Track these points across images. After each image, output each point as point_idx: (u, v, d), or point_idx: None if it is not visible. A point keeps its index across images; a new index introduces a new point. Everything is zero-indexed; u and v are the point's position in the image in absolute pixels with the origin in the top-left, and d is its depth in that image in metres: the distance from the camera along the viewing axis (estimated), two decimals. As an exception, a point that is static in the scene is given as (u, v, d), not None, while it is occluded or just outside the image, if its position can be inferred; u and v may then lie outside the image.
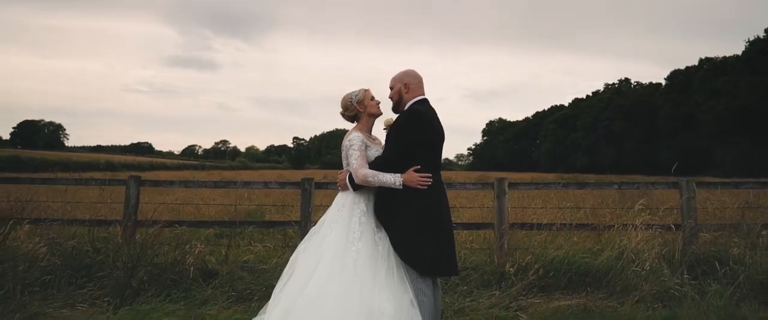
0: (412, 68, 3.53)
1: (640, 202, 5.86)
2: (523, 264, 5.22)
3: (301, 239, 5.30)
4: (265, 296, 4.75)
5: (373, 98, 3.55)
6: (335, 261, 3.26)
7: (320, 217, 3.57)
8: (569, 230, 5.84)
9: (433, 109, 3.43)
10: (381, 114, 3.55)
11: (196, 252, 5.29)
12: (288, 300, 3.28)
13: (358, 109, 3.50)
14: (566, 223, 5.92)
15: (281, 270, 4.76)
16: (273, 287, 4.31)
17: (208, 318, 4.38)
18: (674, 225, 5.64)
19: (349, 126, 3.66)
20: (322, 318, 3.11)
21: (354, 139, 3.39)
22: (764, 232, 5.35)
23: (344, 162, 3.47)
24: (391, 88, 3.50)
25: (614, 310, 4.61)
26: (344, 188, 3.40)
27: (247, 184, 6.28)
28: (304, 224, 5.70)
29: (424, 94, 3.48)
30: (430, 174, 3.28)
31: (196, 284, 5.07)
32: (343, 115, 3.59)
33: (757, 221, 5.61)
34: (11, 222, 5.26)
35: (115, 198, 7.54)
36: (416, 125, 3.28)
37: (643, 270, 5.02)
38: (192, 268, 5.17)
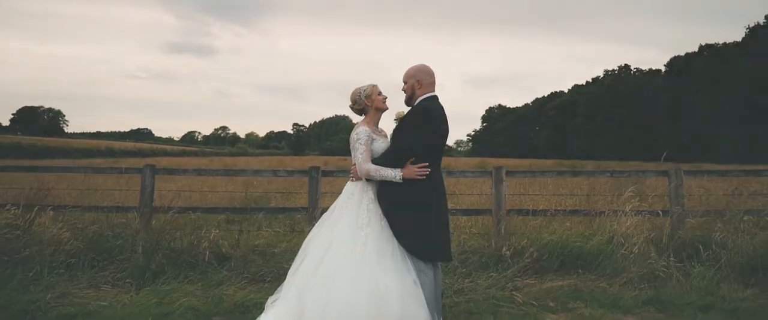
0: (426, 64, 3.79)
1: (630, 189, 6.16)
2: (519, 247, 5.54)
3: (309, 224, 5.64)
4: (277, 278, 5.08)
5: (380, 93, 3.82)
6: (346, 244, 3.57)
7: (326, 203, 3.88)
8: (563, 216, 6.16)
9: (441, 106, 3.72)
10: (387, 109, 3.82)
11: (211, 236, 5.61)
12: (302, 280, 3.59)
13: (366, 103, 3.78)
14: (560, 209, 6.24)
15: (290, 254, 5.10)
16: (283, 269, 4.63)
17: (226, 297, 4.69)
18: (662, 211, 5.96)
19: (347, 112, 3.95)
20: (334, 296, 3.42)
21: (361, 133, 3.67)
22: (746, 218, 5.67)
23: (352, 154, 3.76)
24: (405, 83, 3.77)
25: (603, 291, 4.94)
26: (357, 178, 3.69)
27: (257, 172, 6.59)
28: (312, 210, 6.00)
29: (434, 91, 3.76)
30: (427, 164, 3.56)
31: (211, 267, 5.40)
32: (351, 108, 3.87)
33: (741, 207, 5.92)
34: (36, 208, 5.57)
35: (125, 186, 7.83)
36: (425, 121, 3.57)
37: (631, 254, 5.34)
38: (207, 252, 5.49)
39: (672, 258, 5.39)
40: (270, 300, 3.87)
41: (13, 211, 5.52)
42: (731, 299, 4.63)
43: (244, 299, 4.68)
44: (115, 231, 5.74)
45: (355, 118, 4.03)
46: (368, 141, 3.65)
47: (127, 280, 5.13)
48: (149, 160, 19.41)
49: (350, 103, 3.88)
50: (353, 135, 3.74)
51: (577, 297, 4.80)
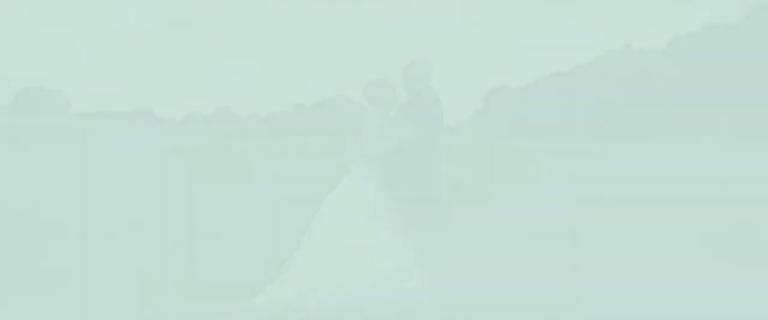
0: (424, 59, 4.32)
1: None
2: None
3: (318, 201, 6.14)
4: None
5: (390, 84, 4.33)
6: (351, 215, 4.11)
7: (334, 182, 4.39)
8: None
9: (436, 94, 4.24)
10: (396, 99, 4.34)
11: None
12: (312, 246, 4.15)
13: (379, 94, 4.29)
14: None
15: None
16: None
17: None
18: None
19: (350, 92, 4.45)
20: (340, 260, 3.98)
21: (373, 119, 4.17)
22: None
23: (363, 137, 4.26)
24: (405, 75, 4.30)
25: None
26: (362, 160, 4.22)
27: (267, 153, 7.13)
28: (321, 188, 6.54)
29: (430, 81, 4.27)
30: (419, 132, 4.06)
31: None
32: (366, 100, 4.38)
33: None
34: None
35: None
36: (422, 108, 4.11)
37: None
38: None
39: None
40: (284, 265, 4.41)
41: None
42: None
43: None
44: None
45: (357, 101, 4.55)
46: (380, 127, 4.17)
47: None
48: (159, 141, 19.71)
49: (364, 95, 4.38)
50: (367, 120, 4.25)
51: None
